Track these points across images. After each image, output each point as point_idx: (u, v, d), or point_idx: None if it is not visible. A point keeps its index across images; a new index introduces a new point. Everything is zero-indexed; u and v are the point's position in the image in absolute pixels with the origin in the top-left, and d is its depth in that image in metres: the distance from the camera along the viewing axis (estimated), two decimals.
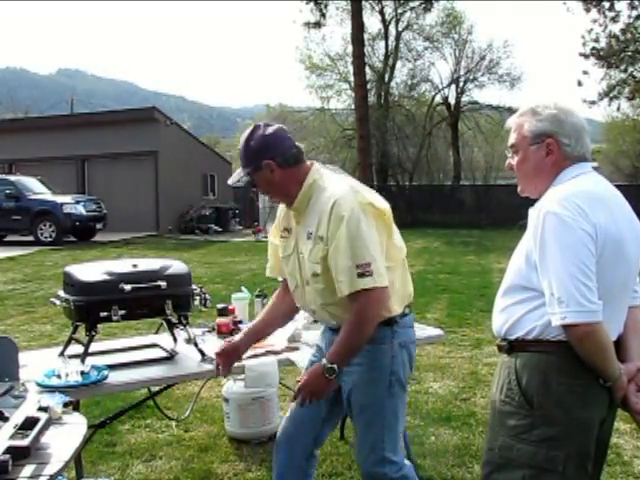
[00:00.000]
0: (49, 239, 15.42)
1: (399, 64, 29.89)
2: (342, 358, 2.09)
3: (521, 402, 1.67)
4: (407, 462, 2.29)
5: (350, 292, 2.02)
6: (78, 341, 2.65)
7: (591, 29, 20.74)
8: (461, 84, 30.64)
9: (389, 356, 2.14)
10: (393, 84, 29.96)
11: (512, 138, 1.84)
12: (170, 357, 2.66)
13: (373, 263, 2.01)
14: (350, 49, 23.61)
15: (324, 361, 2.09)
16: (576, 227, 1.58)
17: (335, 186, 2.12)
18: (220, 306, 3.03)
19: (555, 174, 1.76)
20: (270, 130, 2.17)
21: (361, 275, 2.00)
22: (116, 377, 2.37)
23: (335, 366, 2.07)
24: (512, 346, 1.73)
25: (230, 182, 2.25)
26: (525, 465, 1.65)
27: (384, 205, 2.14)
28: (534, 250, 1.65)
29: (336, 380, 2.11)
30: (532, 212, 1.72)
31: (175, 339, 2.73)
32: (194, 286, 2.71)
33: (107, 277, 2.50)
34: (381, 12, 28.81)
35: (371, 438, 2.18)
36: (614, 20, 20.41)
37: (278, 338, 2.76)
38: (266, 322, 2.39)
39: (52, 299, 2.66)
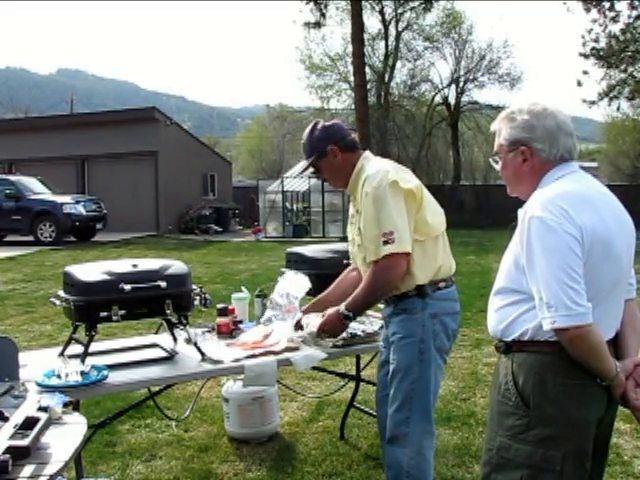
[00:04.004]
0: (49, 239, 15.42)
1: (399, 64, 29.95)
2: (357, 308, 2.44)
3: (518, 402, 1.68)
4: (434, 431, 2.45)
5: (377, 258, 2.32)
6: (78, 341, 2.65)
7: (591, 29, 20.76)
8: (461, 84, 30.67)
9: (419, 325, 2.36)
10: (393, 84, 30.01)
11: (495, 145, 1.86)
12: (170, 357, 2.66)
13: (396, 232, 2.28)
14: (350, 49, 23.59)
15: (342, 308, 2.44)
16: (560, 230, 1.58)
17: (372, 167, 2.43)
18: (220, 306, 3.02)
19: (538, 178, 1.76)
20: (330, 122, 2.59)
21: (385, 242, 2.29)
22: (116, 377, 2.36)
23: (351, 314, 2.44)
24: (509, 347, 1.74)
25: (296, 174, 2.88)
26: (523, 465, 1.66)
27: (411, 185, 2.36)
28: (521, 255, 1.66)
29: (349, 323, 2.51)
30: (520, 213, 1.74)
31: (175, 339, 2.72)
32: (194, 286, 2.71)
33: (107, 277, 2.49)
34: (381, 12, 28.83)
35: (400, 399, 2.38)
36: (614, 20, 20.41)
37: (276, 335, 2.76)
38: (330, 295, 2.72)
39: (52, 299, 2.65)
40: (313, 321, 2.60)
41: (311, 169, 2.60)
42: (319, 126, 2.55)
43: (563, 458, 1.63)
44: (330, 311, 2.53)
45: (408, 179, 2.40)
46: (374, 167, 2.43)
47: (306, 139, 2.57)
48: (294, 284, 2.88)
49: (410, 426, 2.35)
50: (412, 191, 2.34)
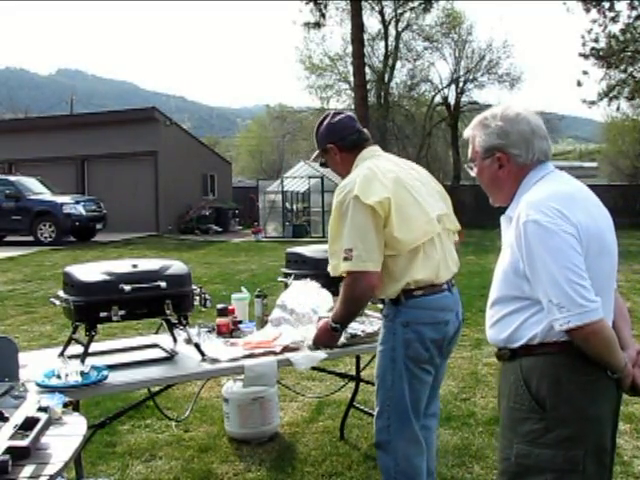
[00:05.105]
0: (49, 239, 15.42)
1: (399, 64, 29.90)
2: (342, 320, 2.45)
3: (532, 406, 1.66)
4: (433, 438, 2.47)
5: (337, 273, 2.34)
6: (78, 341, 2.65)
7: (591, 29, 20.75)
8: (461, 84, 30.62)
9: (391, 333, 2.33)
10: (393, 84, 29.97)
11: (469, 151, 1.86)
12: (170, 357, 2.66)
13: (355, 250, 2.24)
14: (350, 49, 23.58)
15: (330, 320, 2.47)
16: (559, 231, 1.59)
17: (353, 173, 2.41)
18: (220, 306, 3.02)
19: (517, 182, 1.77)
20: (336, 119, 2.55)
21: (345, 259, 2.27)
22: (116, 377, 2.36)
23: (338, 325, 2.46)
24: (514, 353, 1.72)
25: (310, 160, 2.88)
26: (546, 469, 1.64)
27: (374, 199, 2.24)
28: (521, 260, 1.65)
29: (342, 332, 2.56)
30: (503, 220, 1.75)
31: (175, 339, 2.73)
32: (194, 286, 2.71)
33: (107, 277, 2.50)
34: (381, 12, 28.80)
35: (379, 405, 2.38)
36: (614, 20, 20.41)
37: (287, 336, 2.76)
38: None
39: (52, 299, 2.66)
40: (309, 334, 2.66)
41: (321, 159, 2.66)
42: (325, 122, 2.57)
43: (584, 456, 1.62)
44: (320, 324, 2.57)
45: (375, 190, 2.25)
46: (351, 175, 2.40)
47: (314, 132, 2.61)
48: (320, 298, 2.87)
49: (391, 434, 2.33)
50: (373, 207, 2.23)
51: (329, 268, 2.43)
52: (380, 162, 2.44)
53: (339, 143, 2.51)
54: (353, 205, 2.26)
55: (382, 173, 2.34)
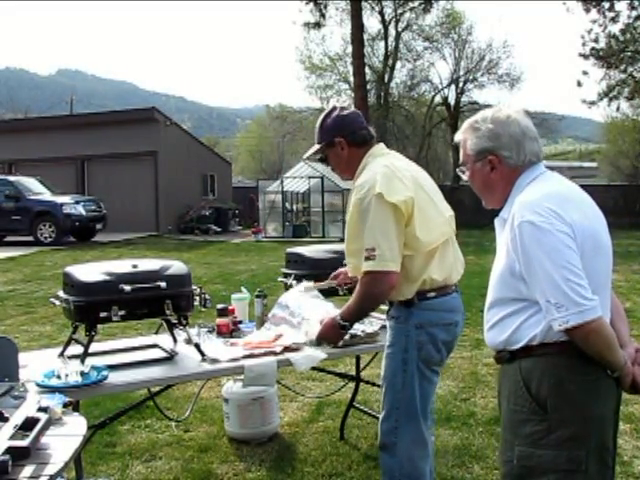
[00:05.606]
0: (49, 239, 15.42)
1: (399, 64, 29.91)
2: (351, 318, 2.40)
3: (533, 408, 1.65)
4: (430, 439, 2.42)
5: (358, 273, 2.30)
6: (78, 341, 2.65)
7: (591, 29, 20.76)
8: (461, 84, 30.63)
9: (403, 335, 2.30)
10: (393, 84, 29.97)
11: (461, 155, 1.87)
12: (170, 357, 2.66)
13: (377, 249, 2.19)
14: (350, 49, 23.58)
15: (338, 317, 2.40)
16: (554, 230, 1.59)
17: (369, 171, 2.32)
18: (220, 306, 3.02)
19: (509, 184, 1.78)
20: (345, 112, 2.46)
21: (367, 258, 2.21)
22: (116, 377, 2.36)
23: (347, 324, 2.41)
24: (513, 355, 1.72)
25: (305, 156, 2.66)
26: (549, 470, 1.64)
27: (398, 197, 2.21)
28: (517, 262, 1.65)
29: (347, 331, 2.50)
30: (497, 222, 1.75)
31: (175, 339, 2.73)
32: (194, 286, 2.71)
33: (107, 277, 2.50)
34: (381, 12, 28.80)
35: (387, 407, 2.35)
36: (614, 20, 20.42)
37: (288, 337, 2.76)
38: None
39: (52, 299, 2.66)
40: (313, 329, 2.62)
41: (319, 155, 2.55)
42: (333, 114, 2.46)
43: (587, 456, 1.62)
44: (327, 320, 2.51)
45: (398, 189, 2.22)
46: (368, 172, 2.32)
47: (318, 124, 2.49)
48: (327, 311, 2.80)
49: (398, 436, 2.31)
50: (396, 206, 2.19)
51: (348, 268, 2.41)
52: (394, 161, 2.40)
53: (349, 137, 2.41)
54: (375, 203, 2.20)
55: (400, 172, 2.30)
